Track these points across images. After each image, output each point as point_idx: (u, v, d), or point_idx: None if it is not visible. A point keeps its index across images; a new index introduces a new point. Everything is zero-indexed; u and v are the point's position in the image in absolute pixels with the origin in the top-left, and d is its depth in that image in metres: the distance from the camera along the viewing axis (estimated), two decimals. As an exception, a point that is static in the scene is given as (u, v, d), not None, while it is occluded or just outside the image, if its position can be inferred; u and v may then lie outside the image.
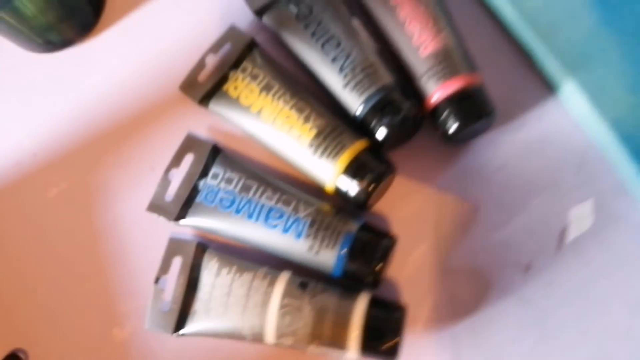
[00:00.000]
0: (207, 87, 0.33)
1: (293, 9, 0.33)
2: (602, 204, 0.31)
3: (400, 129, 0.30)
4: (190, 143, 0.34)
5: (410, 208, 0.32)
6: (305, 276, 0.30)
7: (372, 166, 0.30)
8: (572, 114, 0.32)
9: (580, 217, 0.31)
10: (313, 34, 0.32)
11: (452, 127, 0.30)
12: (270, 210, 0.30)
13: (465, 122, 0.30)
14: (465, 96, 0.30)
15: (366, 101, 0.31)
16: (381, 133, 0.30)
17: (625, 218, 0.31)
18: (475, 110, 0.30)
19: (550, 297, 0.30)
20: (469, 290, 0.31)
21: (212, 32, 0.35)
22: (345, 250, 0.29)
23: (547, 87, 0.33)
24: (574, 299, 0.30)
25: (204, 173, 0.32)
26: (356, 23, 0.33)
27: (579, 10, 0.32)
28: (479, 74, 0.31)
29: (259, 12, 0.35)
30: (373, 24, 0.33)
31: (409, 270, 0.31)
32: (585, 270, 0.30)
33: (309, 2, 0.33)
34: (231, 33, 0.35)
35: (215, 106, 0.33)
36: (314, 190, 0.31)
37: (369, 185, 0.30)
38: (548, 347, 0.30)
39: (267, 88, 0.32)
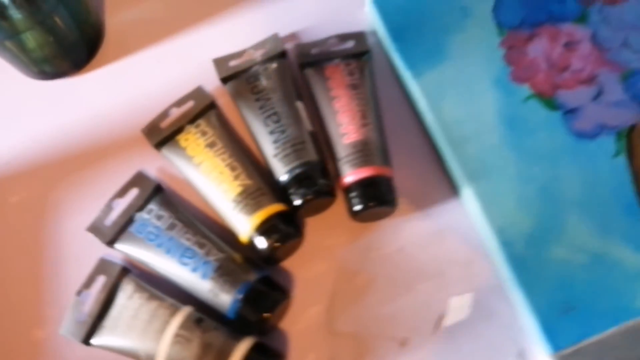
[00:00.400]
0: (163, 135, 0.38)
1: (251, 83, 0.39)
2: (479, 299, 0.35)
3: (312, 200, 0.35)
4: (138, 179, 0.38)
5: (314, 271, 0.36)
6: (205, 313, 0.34)
7: (281, 228, 0.34)
8: (468, 216, 0.36)
9: (457, 307, 0.34)
10: (260, 107, 0.38)
11: (356, 207, 0.34)
12: (186, 249, 0.34)
13: (367, 205, 0.34)
14: (371, 184, 0.35)
15: (289, 172, 0.35)
16: (296, 201, 0.35)
17: (497, 315, 0.34)
18: (377, 197, 0.35)
19: (418, 374, 0.33)
20: (348, 354, 0.34)
21: (183, 89, 0.40)
22: (240, 296, 0.33)
23: (453, 188, 0.37)
24: (438, 379, 0.33)
25: (142, 207, 0.37)
26: (299, 105, 0.38)
27: (487, 130, 0.36)
28: (389, 168, 0.36)
29: (224, 80, 0.40)
30: (313, 109, 0.38)
31: (300, 326, 0.35)
32: (454, 356, 0.34)
33: (265, 81, 0.38)
34: (197, 92, 0.40)
35: (166, 151, 0.38)
36: (231, 240, 0.35)
37: (274, 243, 0.34)
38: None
39: (211, 145, 0.37)
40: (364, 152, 0.35)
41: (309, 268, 0.36)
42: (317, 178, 0.35)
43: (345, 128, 0.36)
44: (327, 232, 0.37)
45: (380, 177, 0.35)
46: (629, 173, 0.35)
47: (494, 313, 0.34)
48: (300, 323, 0.35)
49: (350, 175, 0.35)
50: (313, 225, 0.37)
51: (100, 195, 0.38)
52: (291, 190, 0.35)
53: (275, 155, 0.36)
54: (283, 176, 0.35)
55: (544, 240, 0.34)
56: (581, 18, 0.39)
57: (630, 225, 0.34)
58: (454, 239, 0.36)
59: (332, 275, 0.36)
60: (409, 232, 0.36)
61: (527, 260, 0.33)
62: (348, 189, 0.35)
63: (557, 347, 0.32)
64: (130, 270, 0.36)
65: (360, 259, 0.36)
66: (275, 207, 0.35)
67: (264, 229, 0.34)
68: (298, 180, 0.35)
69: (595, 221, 0.34)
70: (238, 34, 0.42)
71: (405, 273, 0.36)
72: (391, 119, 0.39)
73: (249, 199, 0.35)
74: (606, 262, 0.33)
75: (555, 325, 0.32)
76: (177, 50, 0.43)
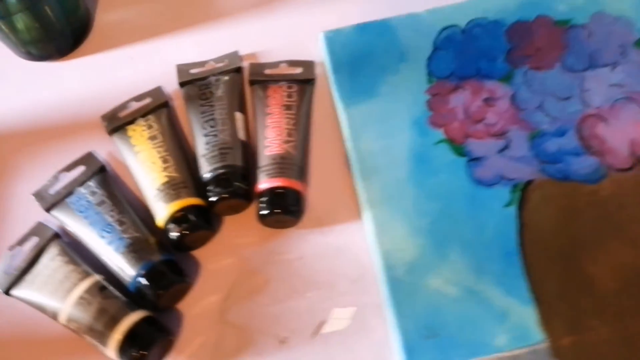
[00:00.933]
0: (117, 123, 0.43)
1: (201, 90, 0.43)
2: (359, 314, 0.37)
3: (226, 199, 0.39)
4: (87, 158, 0.43)
5: (219, 264, 0.40)
6: (112, 283, 0.37)
7: (191, 219, 0.38)
8: (366, 238, 0.39)
9: (338, 318, 0.37)
10: (202, 112, 0.42)
11: (262, 211, 0.38)
12: (107, 224, 0.38)
13: (272, 212, 0.38)
14: (280, 194, 0.38)
15: (212, 171, 0.39)
16: (211, 197, 0.39)
17: (371, 331, 0.37)
18: (282, 206, 0.38)
19: (290, 372, 0.36)
20: (232, 343, 0.37)
21: (147, 86, 0.45)
22: (142, 272, 0.37)
23: (358, 211, 0.40)
24: (307, 380, 0.36)
25: (82, 183, 0.41)
26: (238, 115, 0.42)
27: (396, 164, 0.40)
28: (302, 183, 0.39)
29: (182, 84, 0.45)
30: (251, 122, 0.42)
31: (195, 311, 0.38)
32: (326, 362, 0.37)
33: (214, 91, 0.43)
34: (155, 91, 0.45)
35: (116, 138, 0.43)
36: (150, 224, 0.39)
37: (182, 231, 0.38)
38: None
39: (152, 138, 0.41)
40: (280, 165, 0.39)
41: (215, 260, 0.40)
42: (235, 181, 0.39)
43: (270, 141, 0.40)
44: (239, 231, 0.40)
45: (290, 189, 0.39)
46: (516, 224, 0.38)
47: (369, 329, 0.37)
48: (196, 308, 0.39)
49: (264, 183, 0.39)
50: (229, 224, 0.41)
51: (53, 167, 0.43)
52: (209, 188, 0.39)
53: (204, 155, 0.40)
54: (206, 174, 0.39)
55: (423, 270, 0.37)
56: (506, 78, 0.42)
57: (505, 271, 0.36)
58: (350, 256, 0.39)
59: (235, 270, 0.39)
60: (311, 243, 0.40)
61: (404, 284, 0.36)
62: (260, 195, 0.39)
63: (412, 367, 0.34)
64: (60, 236, 0.40)
65: (263, 261, 0.40)
66: (192, 201, 0.39)
67: (176, 217, 0.38)
68: (217, 180, 0.39)
69: (474, 261, 0.37)
70: (206, 46, 0.47)
71: (299, 279, 0.39)
72: (320, 142, 0.43)
73: (171, 190, 0.39)
74: (475, 299, 0.36)
75: (417, 348, 0.35)
76: (151, 53, 0.48)
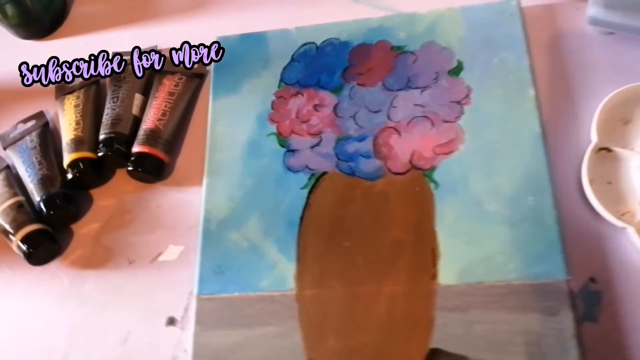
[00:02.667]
0: (61, 92, 0.59)
1: (118, 75, 0.58)
2: (186, 251, 0.51)
3: (110, 156, 0.54)
4: (38, 115, 0.60)
5: (105, 202, 0.55)
6: (30, 204, 0.54)
7: (82, 167, 0.54)
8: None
9: (171, 252, 0.52)
10: (113, 91, 0.57)
11: (129, 167, 0.53)
12: (31, 163, 0.55)
13: (135, 169, 0.53)
14: (144, 157, 0.53)
15: (104, 134, 0.54)
16: (99, 154, 0.54)
17: (191, 265, 0.51)
18: (144, 166, 0.53)
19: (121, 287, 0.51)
20: (99, 257, 0.53)
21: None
22: (43, 198, 0.53)
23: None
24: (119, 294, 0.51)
25: (29, 132, 0.58)
26: (138, 96, 0.57)
27: (235, 146, 0.52)
28: (164, 154, 0.53)
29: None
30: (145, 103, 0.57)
31: (82, 231, 0.54)
32: (155, 279, 0.51)
33: (127, 74, 0.57)
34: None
35: (58, 102, 0.59)
36: (62, 166, 0.55)
37: (75, 174, 0.53)
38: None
39: (76, 106, 0.57)
40: (150, 137, 0.53)
41: (103, 199, 0.55)
42: (118, 144, 0.54)
43: (147, 118, 0.54)
44: (123, 181, 0.55)
45: (151, 155, 0.53)
46: (304, 203, 0.49)
47: (190, 263, 0.51)
48: (83, 230, 0.54)
49: (135, 147, 0.53)
50: (120, 175, 0.56)
51: (16, 119, 0.60)
52: (100, 147, 0.54)
53: (103, 122, 0.55)
54: (101, 136, 0.55)
55: (228, 226, 0.50)
56: (337, 90, 0.53)
57: (284, 235, 0.48)
58: (191, 209, 0.53)
59: (114, 208, 0.55)
60: (169, 197, 0.54)
61: (213, 234, 0.50)
62: (131, 156, 0.54)
63: (200, 291, 0.48)
64: (10, 168, 0.58)
65: (134, 205, 0.54)
66: (87, 154, 0.54)
67: (72, 165, 0.54)
68: (105, 142, 0.54)
69: (266, 225, 0.49)
70: (147, 41, 0.62)
71: (154, 221, 0.53)
72: (196, 124, 0.56)
73: (75, 144, 0.55)
74: (257, 252, 0.48)
75: (207, 279, 0.48)
76: (110, 41, 0.63)
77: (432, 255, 0.45)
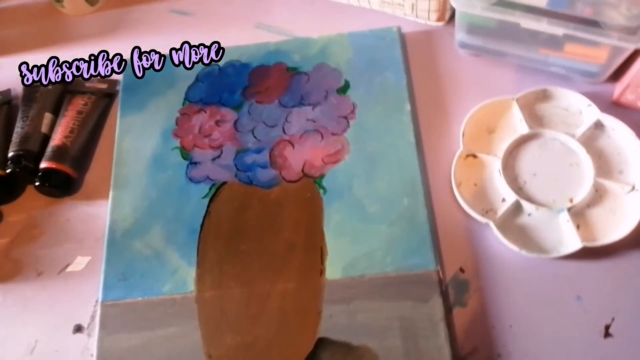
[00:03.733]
0: None
1: (32, 94, 0.60)
2: (92, 261, 0.54)
3: (16, 172, 0.56)
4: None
5: (15, 217, 0.57)
6: None
7: None
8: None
9: (78, 263, 0.54)
10: (23, 111, 0.59)
11: (36, 182, 0.55)
12: None
13: (41, 184, 0.55)
14: (50, 173, 0.55)
15: (12, 152, 0.56)
16: (7, 170, 0.56)
17: (97, 274, 0.53)
18: (51, 182, 0.55)
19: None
20: (10, 271, 0.54)
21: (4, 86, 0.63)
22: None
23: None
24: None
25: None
26: (47, 115, 0.59)
27: (140, 161, 0.56)
28: (71, 169, 0.56)
29: (26, 86, 0.62)
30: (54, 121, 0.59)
31: (-11, 247, 0.56)
32: (63, 291, 0.53)
33: (38, 95, 0.60)
34: (6, 92, 0.62)
35: None
36: None
37: None
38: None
39: None
40: (57, 153, 0.56)
41: (12, 215, 0.57)
42: (26, 160, 0.56)
43: (55, 135, 0.57)
44: (34, 197, 0.57)
45: (58, 171, 0.55)
46: (205, 211, 0.53)
47: (95, 271, 0.53)
48: (-9, 246, 0.56)
49: (43, 163, 0.56)
50: (30, 191, 0.58)
51: None
52: (8, 163, 0.56)
53: (12, 140, 0.57)
54: (9, 154, 0.57)
55: (132, 236, 0.53)
56: (237, 107, 0.58)
57: (185, 242, 0.52)
58: (99, 221, 0.55)
59: (23, 222, 0.56)
60: (78, 210, 0.56)
61: (118, 243, 0.52)
62: (38, 172, 0.56)
63: (104, 298, 0.50)
64: None
65: (43, 219, 0.56)
66: (-5, 171, 0.56)
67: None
68: (13, 159, 0.56)
69: (168, 233, 0.52)
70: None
71: (63, 233, 0.55)
72: (105, 140, 0.59)
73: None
74: (159, 259, 0.51)
75: (112, 286, 0.51)
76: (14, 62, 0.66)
77: (321, 253, 0.50)
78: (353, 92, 0.57)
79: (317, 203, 0.52)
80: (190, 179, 0.55)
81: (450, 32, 0.61)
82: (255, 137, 0.56)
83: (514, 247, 0.48)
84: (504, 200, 0.51)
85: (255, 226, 0.52)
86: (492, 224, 0.50)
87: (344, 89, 0.57)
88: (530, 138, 0.53)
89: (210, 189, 0.54)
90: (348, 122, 0.55)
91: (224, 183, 0.54)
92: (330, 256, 0.50)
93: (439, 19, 0.59)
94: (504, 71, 0.58)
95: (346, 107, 0.56)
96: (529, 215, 0.51)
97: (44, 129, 0.58)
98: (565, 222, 0.49)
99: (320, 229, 0.51)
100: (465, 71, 0.58)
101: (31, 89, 0.61)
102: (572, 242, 0.48)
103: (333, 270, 0.49)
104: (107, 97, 0.61)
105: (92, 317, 0.51)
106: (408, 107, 0.55)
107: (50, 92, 0.61)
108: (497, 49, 0.56)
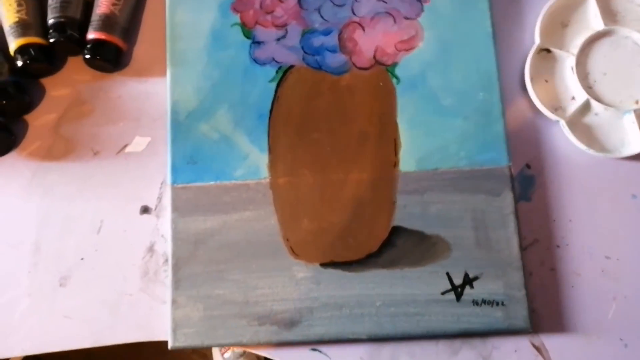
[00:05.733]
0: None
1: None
2: (152, 143, 0.52)
3: (61, 42, 0.51)
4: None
5: (59, 91, 0.53)
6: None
7: (33, 53, 0.50)
8: (167, 89, 0.52)
9: (138, 143, 0.52)
10: (59, -30, 0.53)
11: (86, 55, 0.51)
12: None
13: (92, 56, 0.51)
14: (101, 44, 0.51)
15: (54, 19, 0.51)
16: (50, 40, 0.51)
17: (158, 156, 0.52)
18: (101, 54, 0.51)
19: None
20: (60, 150, 0.52)
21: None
22: (-8, 87, 0.50)
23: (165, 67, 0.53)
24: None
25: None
26: (85, -24, 0.53)
27: (198, 36, 0.52)
28: (121, 40, 0.52)
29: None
30: (94, -18, 0.53)
31: (38, 123, 0.52)
32: (124, 169, 0.52)
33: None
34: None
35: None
36: (8, 53, 0.52)
37: (26, 60, 0.50)
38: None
39: (15, -16, 0.52)
40: (105, 23, 0.51)
41: (57, 89, 0.53)
42: (70, 29, 0.51)
43: (101, 1, 0.52)
44: (78, 69, 0.53)
45: (108, 42, 0.51)
46: (273, 96, 0.51)
47: (157, 153, 0.52)
48: (38, 121, 0.53)
49: (90, 34, 0.51)
50: (71, 62, 0.54)
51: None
52: (50, 32, 0.51)
53: (50, 5, 0.51)
54: (50, 20, 0.51)
55: (197, 118, 0.51)
56: (301, -19, 0.53)
57: (255, 127, 0.50)
58: (155, 101, 0.53)
59: (70, 98, 0.53)
60: (129, 87, 0.53)
61: (182, 126, 0.50)
62: (87, 43, 0.51)
63: (174, 181, 0.50)
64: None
65: (91, 95, 0.53)
66: (36, 40, 0.51)
67: (21, 51, 0.50)
68: (55, 27, 0.51)
69: (235, 117, 0.51)
70: None
71: (115, 112, 0.53)
72: (152, 9, 0.54)
73: (20, 28, 0.51)
74: (229, 143, 0.50)
75: (180, 169, 0.50)
76: None
77: (394, 145, 0.50)
78: (427, -28, 0.53)
79: (390, 93, 0.51)
80: (255, 60, 0.52)
81: None
82: (322, 16, 0.52)
83: (582, 146, 0.50)
84: (573, 98, 0.52)
85: (326, 114, 0.51)
86: (562, 122, 0.51)
87: (418, -33, 0.53)
88: (603, 35, 0.53)
89: (276, 72, 0.51)
90: (422, 5, 0.53)
91: (291, 67, 0.52)
92: (404, 148, 0.50)
93: None
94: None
95: (420, -11, 0.53)
96: (596, 114, 0.52)
97: (85, -7, 0.53)
98: (630, 123, 0.51)
99: (393, 120, 0.50)
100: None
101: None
102: (635, 143, 0.50)
103: (407, 162, 0.50)
104: (151, -41, 0.55)
105: (159, 199, 0.51)
106: (486, -8, 0.53)
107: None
108: None
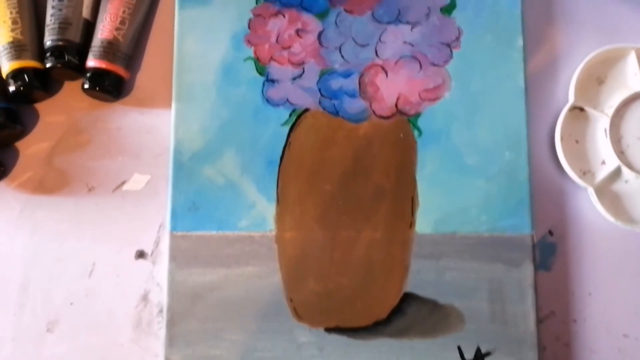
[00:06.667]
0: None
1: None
2: (152, 181, 0.48)
3: (59, 68, 0.47)
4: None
5: (54, 118, 0.49)
6: None
7: (26, 78, 0.46)
8: (170, 124, 0.48)
9: (137, 181, 0.48)
10: (60, -15, 0.48)
11: (85, 85, 0.47)
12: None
13: (92, 87, 0.47)
14: (101, 74, 0.47)
15: (51, 41, 0.47)
16: (47, 64, 0.47)
17: (158, 196, 0.48)
18: (101, 84, 0.47)
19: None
20: (54, 181, 0.48)
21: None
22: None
23: (170, 100, 0.49)
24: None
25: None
26: (88, -5, 0.48)
27: (208, 69, 0.48)
28: (123, 69, 0.47)
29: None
30: (98, 4, 0.49)
31: (30, 151, 0.49)
32: (117, 207, 0.48)
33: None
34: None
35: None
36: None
37: (20, 87, 0.46)
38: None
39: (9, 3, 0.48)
40: (107, 49, 0.47)
41: (51, 115, 0.49)
42: (69, 54, 0.47)
43: (104, 26, 0.47)
44: (75, 96, 0.49)
45: (111, 72, 0.47)
46: (285, 141, 0.47)
47: (156, 194, 0.48)
48: (30, 150, 0.49)
49: (91, 61, 0.47)
50: (68, 87, 0.49)
51: None
52: (47, 55, 0.47)
53: (47, 25, 0.47)
54: (47, 43, 0.47)
55: (203, 160, 0.47)
56: (322, 14, 0.49)
57: (263, 174, 0.47)
58: (157, 135, 0.49)
59: (65, 126, 0.49)
60: (130, 118, 0.49)
61: (186, 167, 0.47)
62: (86, 71, 0.47)
63: (174, 228, 0.46)
64: None
65: (89, 124, 0.49)
66: (32, 63, 0.47)
67: (14, 74, 0.46)
68: (53, 50, 0.47)
69: (243, 161, 0.47)
70: None
71: (114, 145, 0.49)
72: (158, 34, 0.50)
73: (14, 50, 0.46)
74: (235, 190, 0.47)
75: (181, 215, 0.46)
76: None
77: (411, 203, 0.47)
78: (459, 14, 0.49)
79: (410, 146, 0.47)
80: (268, 100, 0.48)
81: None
82: (342, 56, 0.48)
83: (609, 217, 0.47)
84: (603, 162, 0.49)
85: (340, 165, 0.47)
86: (591, 190, 0.47)
87: (449, 8, 0.49)
88: (642, 96, 0.49)
89: (290, 115, 0.48)
90: (451, 51, 0.49)
91: (306, 110, 0.48)
92: (422, 208, 0.47)
93: None
94: (629, 9, 0.51)
95: (450, 32, 0.49)
96: (626, 182, 0.49)
97: (86, 12, 0.48)
98: (662, 194, 0.48)
99: (412, 176, 0.47)
100: (584, 4, 0.51)
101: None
102: (665, 216, 0.47)
103: (424, 223, 0.46)
104: (159, -23, 0.50)
105: (156, 243, 0.48)
106: (520, 41, 0.49)
107: (87, -39, 0.49)
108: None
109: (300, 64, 0.48)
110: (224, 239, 0.46)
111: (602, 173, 0.48)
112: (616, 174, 0.48)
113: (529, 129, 0.48)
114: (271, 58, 0.48)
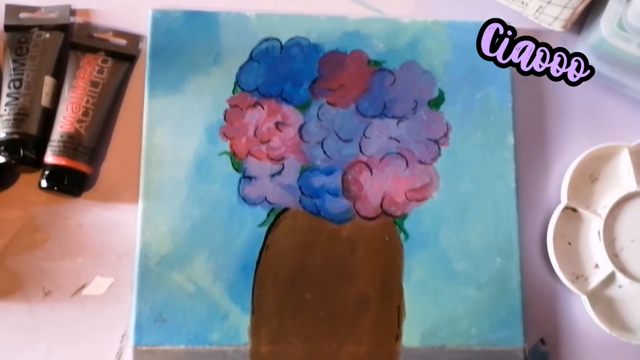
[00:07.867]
0: None
1: (20, 43, 0.44)
2: (115, 285, 0.44)
3: (13, 164, 0.42)
4: None
5: (7, 213, 0.44)
6: None
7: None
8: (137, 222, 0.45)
9: (98, 284, 0.44)
10: (14, 69, 0.44)
11: (41, 183, 0.43)
12: None
13: (49, 186, 0.42)
14: (60, 171, 0.43)
15: (6, 134, 0.42)
16: (1, 159, 0.42)
17: (122, 303, 0.44)
18: (60, 184, 0.43)
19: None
20: (4, 285, 0.44)
21: None
22: None
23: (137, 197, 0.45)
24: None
25: None
26: (48, 80, 0.44)
27: (178, 165, 0.44)
28: (86, 165, 0.43)
29: (7, 28, 0.45)
30: (59, 90, 0.45)
31: (-24, 251, 0.44)
32: (76, 317, 0.44)
33: (31, 47, 0.44)
34: None
35: None
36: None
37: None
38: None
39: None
40: (67, 144, 0.43)
41: (4, 209, 0.45)
42: (25, 149, 0.42)
43: (64, 117, 0.43)
44: (32, 189, 0.45)
45: (71, 169, 0.43)
46: (262, 244, 0.44)
47: (120, 300, 0.44)
48: None
49: (49, 157, 0.43)
50: (25, 180, 0.45)
51: None
52: (1, 149, 0.42)
53: (1, 116, 0.43)
54: (1, 136, 0.43)
55: (171, 265, 0.43)
56: (303, 106, 0.46)
57: (237, 282, 0.43)
58: (122, 234, 0.45)
59: (20, 222, 0.45)
60: (93, 214, 0.45)
61: (152, 273, 0.43)
62: (45, 167, 0.43)
63: (138, 342, 0.42)
64: None
65: (47, 220, 0.45)
66: (-18, 159, 0.42)
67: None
68: (7, 145, 0.42)
69: (216, 267, 0.43)
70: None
71: (74, 244, 0.45)
72: (125, 122, 0.46)
73: (-37, 144, 0.42)
74: (206, 299, 0.43)
75: (146, 328, 0.42)
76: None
77: (398, 313, 0.44)
78: (447, 108, 0.47)
79: (396, 250, 0.44)
80: (244, 199, 0.44)
81: (562, 38, 0.50)
82: (325, 152, 0.45)
83: (603, 327, 0.45)
84: (596, 266, 0.46)
85: (322, 270, 0.44)
86: (584, 298, 0.45)
87: (437, 102, 0.47)
88: (635, 196, 0.47)
89: (268, 214, 0.44)
90: (439, 148, 0.46)
91: (286, 209, 0.44)
92: (408, 319, 0.44)
93: (564, 27, 0.48)
94: (620, 105, 0.49)
95: (438, 128, 0.46)
96: (620, 287, 0.46)
97: (45, 100, 0.44)
98: (657, 301, 0.46)
99: (398, 284, 0.44)
100: (575, 98, 0.49)
101: (17, 32, 0.45)
102: (660, 324, 0.45)
103: (410, 336, 0.43)
104: (126, 61, 0.46)
105: (119, 356, 0.43)
106: (512, 139, 0.46)
107: (45, 44, 0.45)
108: (623, 81, 0.47)
109: (280, 159, 0.45)
110: (193, 354, 0.42)
111: (595, 278, 0.46)
112: (610, 278, 0.46)
113: (520, 230, 0.46)
114: (248, 153, 0.45)
